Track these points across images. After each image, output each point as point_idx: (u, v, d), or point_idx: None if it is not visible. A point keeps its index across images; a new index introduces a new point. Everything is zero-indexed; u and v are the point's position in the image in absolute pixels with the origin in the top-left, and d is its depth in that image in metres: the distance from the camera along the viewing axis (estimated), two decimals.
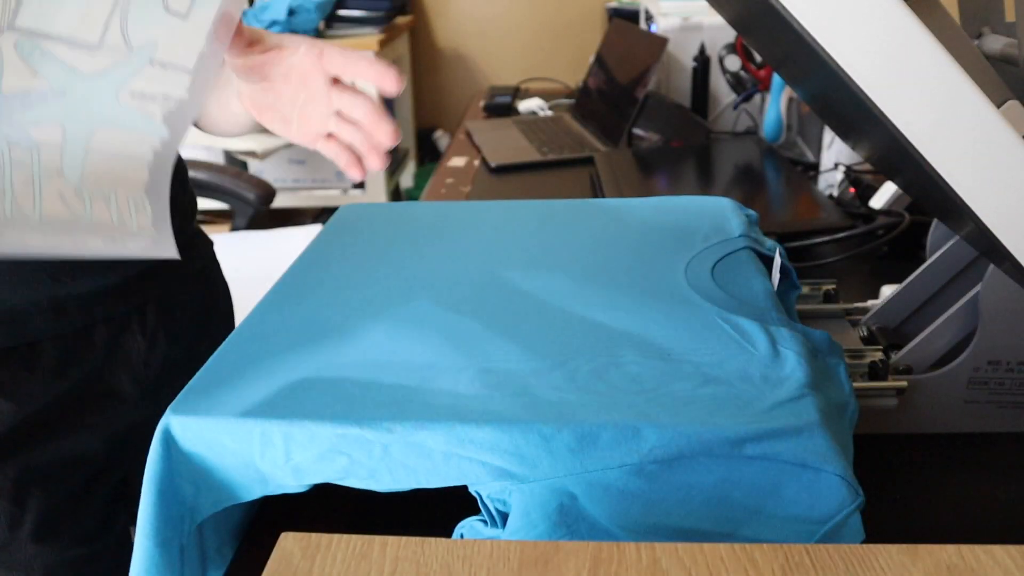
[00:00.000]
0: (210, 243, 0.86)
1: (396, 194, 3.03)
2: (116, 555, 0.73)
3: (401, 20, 2.89)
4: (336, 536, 0.41)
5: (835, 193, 1.11)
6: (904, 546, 0.39)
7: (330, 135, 0.61)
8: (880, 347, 0.68)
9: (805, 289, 0.78)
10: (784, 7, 0.41)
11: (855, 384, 0.59)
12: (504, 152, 1.50)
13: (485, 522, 0.50)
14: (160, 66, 0.51)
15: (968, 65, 0.41)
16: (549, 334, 0.58)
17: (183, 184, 0.77)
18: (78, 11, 0.46)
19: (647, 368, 0.53)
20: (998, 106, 0.43)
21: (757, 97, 1.48)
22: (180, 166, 0.75)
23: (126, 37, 0.49)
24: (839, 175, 1.11)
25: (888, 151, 0.51)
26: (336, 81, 0.60)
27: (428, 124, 3.26)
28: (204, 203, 2.29)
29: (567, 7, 3.00)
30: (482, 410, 0.50)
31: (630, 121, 1.45)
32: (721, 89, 1.52)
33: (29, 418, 0.66)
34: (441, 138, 3.22)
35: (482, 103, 1.97)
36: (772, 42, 0.57)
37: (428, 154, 3.24)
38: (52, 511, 0.69)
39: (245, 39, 0.57)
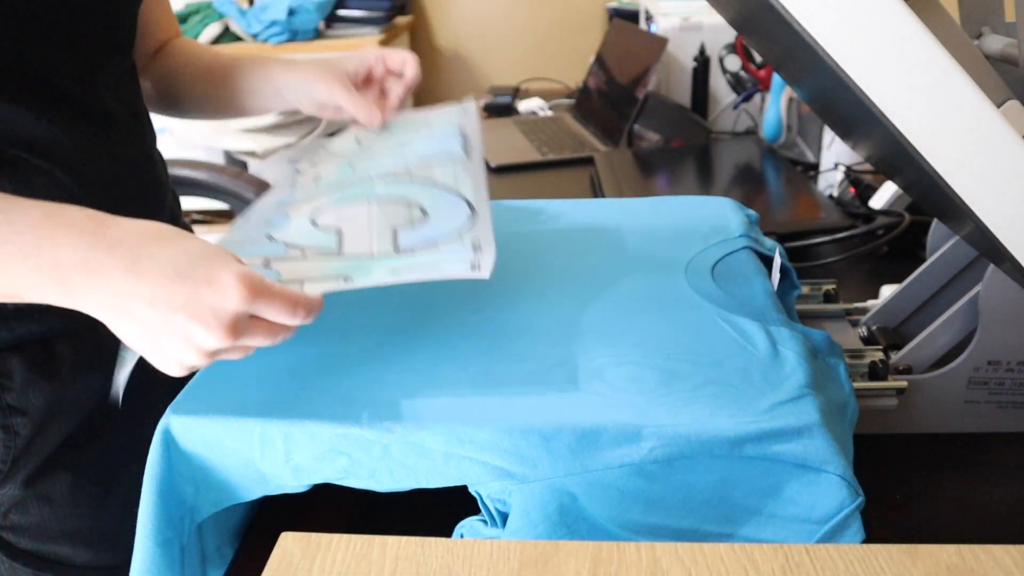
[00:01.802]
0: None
1: None
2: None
3: (401, 20, 2.89)
4: (336, 536, 0.41)
5: (835, 193, 1.11)
6: (904, 546, 0.39)
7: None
8: (880, 347, 0.68)
9: (805, 289, 0.78)
10: (784, 7, 0.41)
11: (855, 384, 0.59)
12: (504, 152, 1.50)
13: (485, 522, 0.50)
14: None
15: (968, 65, 0.41)
16: (549, 334, 0.58)
17: (166, 186, 0.77)
18: None
19: (647, 368, 0.53)
20: (998, 106, 0.43)
21: (757, 97, 1.47)
22: (162, 169, 0.75)
23: None
24: (839, 175, 1.11)
25: (888, 151, 0.51)
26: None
27: None
28: (204, 203, 2.31)
29: (567, 7, 3.00)
30: (482, 410, 0.50)
31: (630, 121, 1.45)
32: (721, 89, 1.52)
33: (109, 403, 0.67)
34: None
35: (482, 103, 1.97)
36: (772, 42, 0.57)
37: None
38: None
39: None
